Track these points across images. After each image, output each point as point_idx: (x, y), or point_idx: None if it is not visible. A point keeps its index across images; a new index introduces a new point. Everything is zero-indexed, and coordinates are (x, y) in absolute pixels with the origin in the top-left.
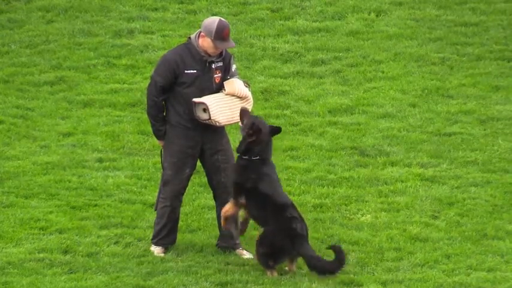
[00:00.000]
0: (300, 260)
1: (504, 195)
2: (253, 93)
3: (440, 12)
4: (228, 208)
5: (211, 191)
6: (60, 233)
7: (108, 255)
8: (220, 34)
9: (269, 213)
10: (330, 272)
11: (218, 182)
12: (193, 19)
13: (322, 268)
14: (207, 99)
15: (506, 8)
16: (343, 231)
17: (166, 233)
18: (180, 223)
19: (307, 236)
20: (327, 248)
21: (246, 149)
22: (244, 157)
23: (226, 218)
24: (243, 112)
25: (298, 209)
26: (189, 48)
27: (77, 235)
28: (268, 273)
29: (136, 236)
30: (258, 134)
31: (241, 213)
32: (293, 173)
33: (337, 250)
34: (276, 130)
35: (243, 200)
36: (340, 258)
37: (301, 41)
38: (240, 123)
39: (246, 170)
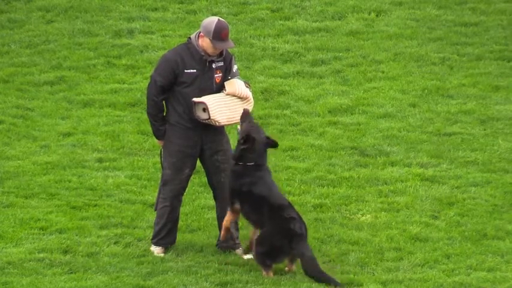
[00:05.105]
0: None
1: (504, 195)
2: (253, 93)
3: (440, 12)
4: (227, 218)
5: (211, 191)
6: (60, 233)
7: (108, 255)
8: (219, 34)
9: (266, 215)
10: (320, 280)
11: (218, 182)
12: (193, 19)
13: (314, 272)
14: (207, 99)
15: (506, 8)
16: (343, 231)
17: (166, 233)
18: (180, 223)
19: (307, 236)
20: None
21: (239, 155)
22: (239, 163)
23: (227, 229)
24: (244, 114)
25: (297, 209)
26: (189, 48)
27: (77, 235)
28: (264, 272)
29: (136, 236)
30: (251, 143)
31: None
32: (293, 173)
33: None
34: (272, 144)
35: (238, 206)
36: (334, 282)
37: (301, 41)
38: (238, 125)
39: (240, 175)
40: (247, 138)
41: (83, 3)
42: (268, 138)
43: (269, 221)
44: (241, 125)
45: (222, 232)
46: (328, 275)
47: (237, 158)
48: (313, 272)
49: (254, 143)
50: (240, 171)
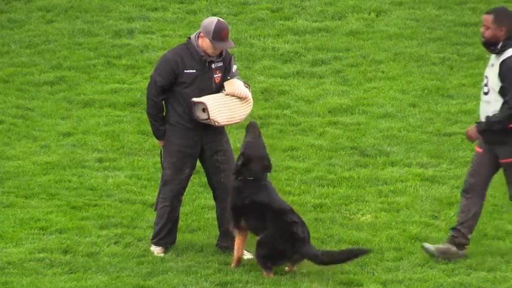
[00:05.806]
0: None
1: (504, 195)
2: (253, 93)
3: (440, 12)
4: (238, 242)
5: (211, 191)
6: (60, 233)
7: (108, 255)
8: (219, 34)
9: (269, 220)
10: (345, 259)
11: (218, 182)
12: (193, 19)
13: (331, 260)
14: (206, 99)
15: None
16: (343, 231)
17: (166, 233)
18: (180, 223)
19: (309, 239)
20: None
21: (239, 171)
22: (238, 178)
23: (240, 258)
24: (249, 126)
25: (298, 211)
26: (188, 48)
27: (77, 235)
28: (265, 273)
29: (136, 236)
30: (248, 161)
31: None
32: (293, 173)
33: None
34: (267, 167)
35: (243, 224)
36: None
37: (301, 41)
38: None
39: (241, 190)
40: (245, 157)
41: (83, 3)
42: (265, 159)
43: (272, 224)
44: (244, 137)
45: (235, 262)
46: (348, 249)
47: (237, 174)
48: (332, 260)
49: (251, 162)
50: (240, 186)
